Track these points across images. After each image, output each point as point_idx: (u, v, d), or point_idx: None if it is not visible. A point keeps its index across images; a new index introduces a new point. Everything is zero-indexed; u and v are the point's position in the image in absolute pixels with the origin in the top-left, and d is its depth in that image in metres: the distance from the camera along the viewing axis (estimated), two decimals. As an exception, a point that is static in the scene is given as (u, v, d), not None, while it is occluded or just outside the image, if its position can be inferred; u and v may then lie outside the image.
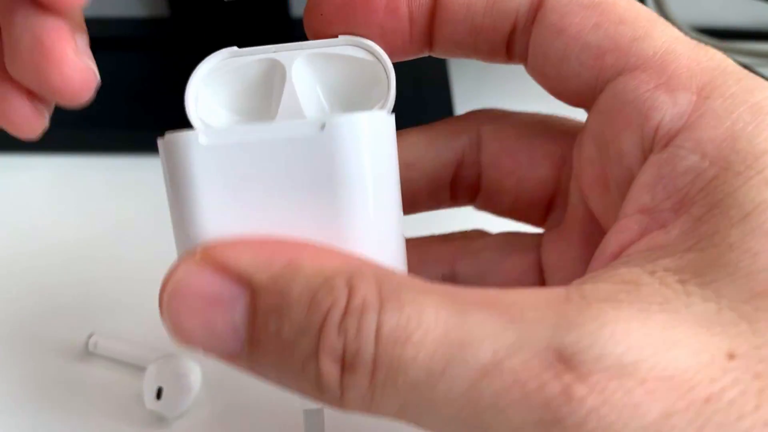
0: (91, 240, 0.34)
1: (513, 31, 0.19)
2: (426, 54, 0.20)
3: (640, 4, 0.18)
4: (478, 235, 0.23)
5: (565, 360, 0.13)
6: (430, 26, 0.19)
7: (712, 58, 0.17)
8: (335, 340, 0.14)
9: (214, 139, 0.15)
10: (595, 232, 0.20)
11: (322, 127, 0.15)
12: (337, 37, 0.19)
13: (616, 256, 0.16)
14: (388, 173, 0.17)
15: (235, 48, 0.19)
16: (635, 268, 0.15)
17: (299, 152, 0.15)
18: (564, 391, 0.13)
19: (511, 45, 0.19)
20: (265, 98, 0.20)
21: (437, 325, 0.13)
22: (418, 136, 0.22)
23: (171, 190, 0.16)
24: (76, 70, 0.16)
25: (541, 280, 0.22)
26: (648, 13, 0.18)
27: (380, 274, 0.14)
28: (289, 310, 0.14)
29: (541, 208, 0.22)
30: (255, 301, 0.14)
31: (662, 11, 0.46)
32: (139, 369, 0.27)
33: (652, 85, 0.17)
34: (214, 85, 0.19)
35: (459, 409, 0.13)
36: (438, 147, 0.22)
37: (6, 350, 0.29)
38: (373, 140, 0.16)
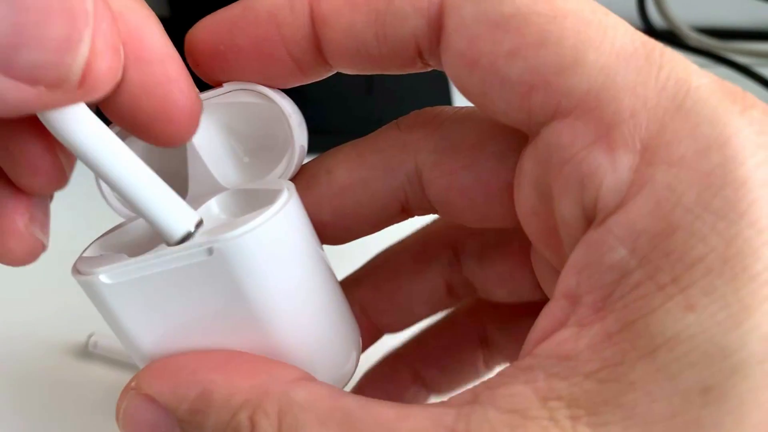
0: (91, 240, 0.33)
1: (420, 54, 0.16)
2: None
3: (564, 3, 0.14)
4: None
5: None
6: (320, 57, 0.17)
7: (665, 85, 0.13)
8: None
9: (115, 278, 0.15)
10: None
11: (210, 252, 0.15)
12: (221, 85, 0.17)
13: (537, 344, 0.14)
14: (300, 266, 0.16)
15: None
16: (529, 390, 0.13)
17: (197, 276, 0.15)
18: None
19: (426, 62, 0.16)
20: (167, 168, 0.19)
21: None
22: (351, 178, 0.19)
23: (106, 322, 0.16)
24: (20, 243, 0.17)
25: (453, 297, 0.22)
26: (576, 20, 0.14)
27: (283, 404, 0.14)
28: None
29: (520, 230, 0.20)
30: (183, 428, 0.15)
31: (662, 11, 0.46)
32: (138, 369, 0.27)
33: (589, 140, 0.14)
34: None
35: None
36: (374, 191, 0.19)
37: (6, 350, 0.29)
38: (269, 249, 0.15)
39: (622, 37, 0.14)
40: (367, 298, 0.22)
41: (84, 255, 0.17)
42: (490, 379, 0.14)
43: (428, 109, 0.19)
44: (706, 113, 0.13)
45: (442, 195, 0.18)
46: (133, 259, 0.15)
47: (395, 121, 0.19)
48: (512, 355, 0.23)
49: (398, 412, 0.14)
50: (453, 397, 0.14)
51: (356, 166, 0.19)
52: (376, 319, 0.22)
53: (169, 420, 0.15)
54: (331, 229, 0.19)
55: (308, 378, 0.15)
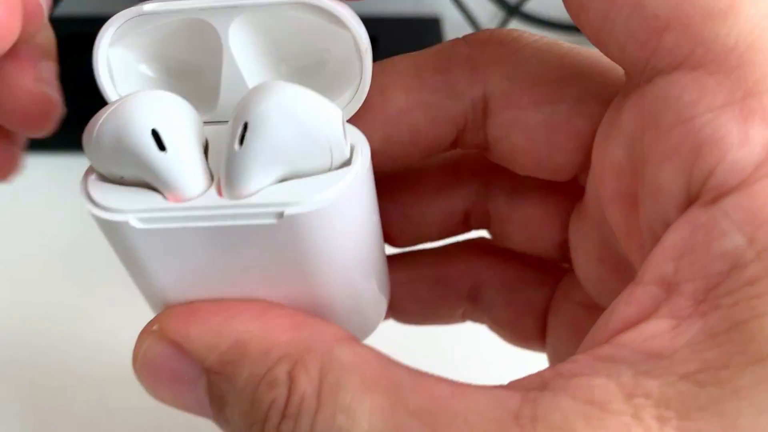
0: (91, 240, 0.34)
1: None
2: None
3: None
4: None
5: None
6: None
7: None
8: None
9: (150, 224, 0.13)
10: (609, 241, 0.17)
11: (280, 216, 0.13)
12: None
13: (617, 333, 0.13)
14: (364, 228, 0.15)
15: (145, 5, 0.15)
16: (612, 384, 0.12)
17: (250, 235, 0.13)
18: None
19: None
20: (194, 59, 0.16)
21: None
22: (409, 101, 0.17)
23: (120, 259, 0.15)
24: (32, 97, 0.16)
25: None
26: None
27: (325, 362, 0.13)
28: (236, 401, 0.14)
29: (562, 184, 0.18)
30: (211, 383, 0.14)
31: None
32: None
33: (719, 102, 0.12)
34: (127, 51, 0.16)
35: None
36: (434, 116, 0.17)
37: (6, 349, 0.29)
38: (342, 219, 0.14)
39: None
40: (383, 201, 0.19)
41: (95, 170, 0.14)
42: (561, 366, 0.13)
43: (504, 30, 0.17)
44: None
45: (503, 130, 0.16)
46: (174, 206, 0.13)
47: (462, 36, 0.17)
48: (499, 319, 0.22)
49: (453, 389, 0.12)
50: (515, 380, 0.13)
51: (416, 87, 0.16)
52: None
53: (194, 369, 0.14)
54: (376, 158, 0.16)
55: (353, 338, 0.14)
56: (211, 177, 0.14)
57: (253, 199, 0.13)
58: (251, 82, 0.16)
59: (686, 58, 0.12)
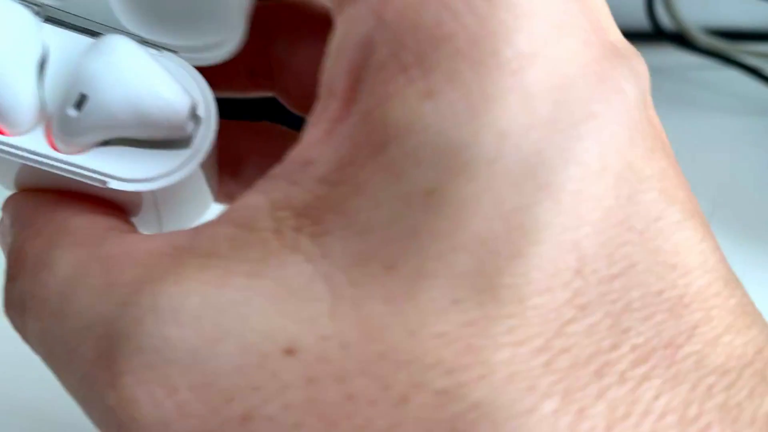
0: None
1: None
2: None
3: None
4: None
5: (111, 351, 0.11)
6: None
7: None
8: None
9: None
10: None
11: (104, 184, 0.14)
12: None
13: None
14: (191, 202, 0.16)
15: None
16: (264, 199, 0.12)
17: (79, 184, 0.14)
18: (101, 396, 0.11)
19: None
20: None
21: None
22: None
23: None
24: None
25: None
26: None
27: (57, 230, 0.14)
28: None
29: None
30: None
31: (671, 12, 0.45)
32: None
33: None
34: None
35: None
36: None
37: (5, 347, 0.29)
38: (171, 195, 0.14)
39: None
40: None
41: None
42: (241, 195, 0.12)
43: None
44: None
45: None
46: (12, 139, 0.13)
47: None
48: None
49: (145, 238, 0.13)
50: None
51: None
52: None
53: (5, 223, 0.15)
54: None
55: (105, 216, 0.14)
56: (44, 110, 0.14)
57: (80, 160, 0.14)
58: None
59: None
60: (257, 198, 0.12)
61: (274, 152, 0.20)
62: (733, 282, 0.12)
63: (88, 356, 0.12)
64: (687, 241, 0.11)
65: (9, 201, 0.15)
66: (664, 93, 0.48)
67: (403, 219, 0.10)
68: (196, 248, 0.12)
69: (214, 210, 0.14)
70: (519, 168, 0.10)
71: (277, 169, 0.12)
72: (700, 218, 0.12)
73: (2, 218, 0.15)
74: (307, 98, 0.19)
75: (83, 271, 0.12)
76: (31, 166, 0.14)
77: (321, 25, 0.18)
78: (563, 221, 0.10)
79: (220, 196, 0.20)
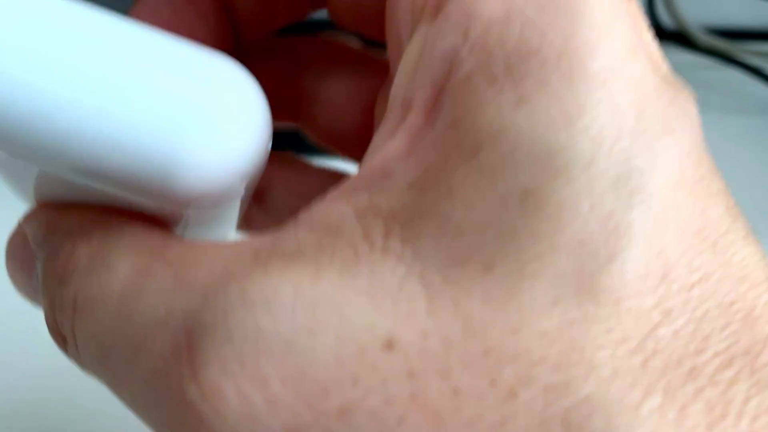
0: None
1: None
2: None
3: None
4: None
5: (192, 344, 0.11)
6: None
7: None
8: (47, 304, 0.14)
9: None
10: None
11: None
12: None
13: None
14: None
15: None
16: (347, 207, 0.12)
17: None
18: (179, 391, 0.11)
19: None
20: None
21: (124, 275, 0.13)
22: None
23: None
24: None
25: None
26: None
27: (106, 234, 0.13)
28: (41, 272, 0.14)
29: (372, 62, 0.18)
30: (38, 263, 0.15)
31: (672, 12, 0.45)
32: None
33: None
34: None
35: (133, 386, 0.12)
36: None
37: (6, 346, 0.29)
38: None
39: None
40: None
41: None
42: (314, 203, 0.12)
43: None
44: None
45: None
46: None
47: None
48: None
49: (214, 244, 0.13)
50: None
51: None
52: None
53: (29, 254, 0.15)
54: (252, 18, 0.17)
55: (150, 220, 0.14)
56: None
57: None
58: None
59: None
60: (340, 206, 0.12)
61: (296, 182, 0.20)
62: None
63: (160, 351, 0.11)
64: (753, 256, 0.12)
65: (37, 214, 0.15)
66: (665, 92, 0.48)
67: (500, 220, 0.11)
68: (280, 250, 0.11)
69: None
70: (613, 173, 0.11)
71: (355, 181, 0.12)
72: (754, 237, 0.12)
73: (32, 231, 0.15)
74: (334, 129, 0.19)
75: (148, 272, 0.12)
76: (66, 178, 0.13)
77: (353, 57, 0.18)
78: (652, 227, 0.11)
79: (242, 222, 0.21)
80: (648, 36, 0.12)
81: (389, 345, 0.10)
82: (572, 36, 0.11)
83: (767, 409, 0.11)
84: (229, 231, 0.17)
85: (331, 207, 0.12)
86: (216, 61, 0.12)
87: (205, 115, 0.11)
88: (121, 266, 0.12)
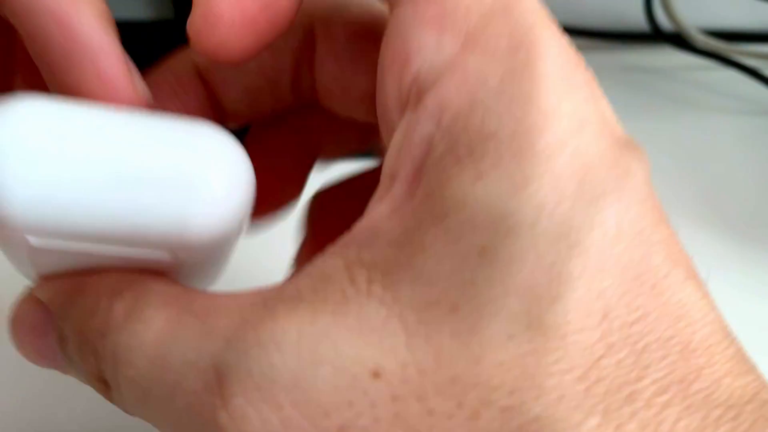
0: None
1: None
2: None
3: None
4: None
5: (220, 379, 0.13)
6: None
7: None
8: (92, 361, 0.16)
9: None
10: None
11: None
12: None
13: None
14: None
15: None
16: (339, 259, 0.14)
17: None
18: (212, 418, 0.13)
19: None
20: None
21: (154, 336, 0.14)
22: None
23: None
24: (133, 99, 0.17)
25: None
26: None
27: (140, 291, 0.15)
28: (71, 333, 0.16)
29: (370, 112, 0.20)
30: (58, 328, 0.16)
31: (669, 13, 0.45)
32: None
33: (426, 16, 0.15)
34: None
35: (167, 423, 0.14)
36: (274, 49, 0.19)
37: (5, 345, 0.29)
38: None
39: None
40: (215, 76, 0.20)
41: None
42: (315, 258, 0.15)
43: None
44: (525, 21, 0.14)
45: (322, 58, 0.19)
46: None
47: None
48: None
49: (230, 295, 0.15)
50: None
51: None
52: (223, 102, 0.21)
53: (47, 317, 0.17)
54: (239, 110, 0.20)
55: (171, 278, 0.16)
56: None
57: None
58: None
59: None
60: (332, 259, 0.14)
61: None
62: (730, 334, 0.14)
63: (193, 388, 0.14)
64: (690, 297, 0.14)
65: (52, 283, 0.17)
66: (662, 94, 0.48)
67: (462, 271, 0.13)
68: (283, 296, 0.14)
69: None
70: (554, 231, 0.13)
71: (347, 238, 0.15)
72: (699, 280, 0.14)
73: (51, 296, 0.17)
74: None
75: (179, 323, 0.14)
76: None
77: (357, 131, 0.21)
78: (590, 274, 0.13)
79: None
80: (601, 103, 0.15)
81: (376, 374, 0.13)
82: (523, 119, 0.13)
83: (695, 429, 0.13)
84: (213, 280, 0.19)
85: (325, 260, 0.14)
86: (203, 133, 0.15)
87: (203, 182, 0.15)
88: (155, 319, 0.15)
